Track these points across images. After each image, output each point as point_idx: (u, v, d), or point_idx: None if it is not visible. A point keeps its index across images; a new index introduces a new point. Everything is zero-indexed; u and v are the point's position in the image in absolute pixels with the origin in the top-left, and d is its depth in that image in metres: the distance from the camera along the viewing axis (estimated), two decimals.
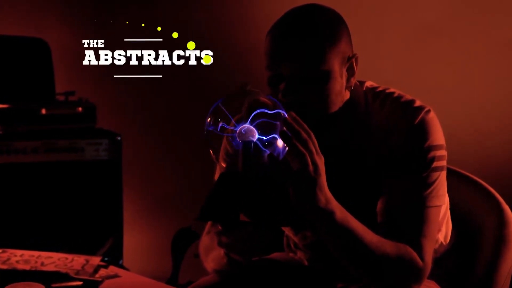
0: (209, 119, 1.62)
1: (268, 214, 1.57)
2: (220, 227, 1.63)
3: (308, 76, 1.69)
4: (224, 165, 1.63)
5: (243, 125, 1.59)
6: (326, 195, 1.58)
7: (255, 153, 1.58)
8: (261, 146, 1.59)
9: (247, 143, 1.58)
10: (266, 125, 1.60)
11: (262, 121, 1.60)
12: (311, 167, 1.55)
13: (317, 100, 1.70)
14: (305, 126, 1.57)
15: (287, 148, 1.56)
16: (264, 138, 1.60)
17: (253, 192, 1.58)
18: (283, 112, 1.60)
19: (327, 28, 1.70)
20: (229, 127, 1.60)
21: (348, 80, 1.76)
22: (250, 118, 1.60)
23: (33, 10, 3.84)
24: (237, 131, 1.59)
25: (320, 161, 1.56)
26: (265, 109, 1.60)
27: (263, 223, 1.60)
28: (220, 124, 1.61)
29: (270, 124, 1.60)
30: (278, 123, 1.59)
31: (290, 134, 1.55)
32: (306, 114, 1.66)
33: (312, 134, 1.57)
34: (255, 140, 1.59)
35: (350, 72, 1.76)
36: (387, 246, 1.64)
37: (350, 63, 1.75)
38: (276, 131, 1.59)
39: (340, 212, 1.59)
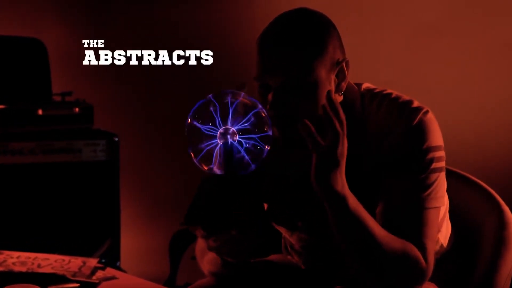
0: (189, 120, 1.62)
1: (239, 218, 1.58)
2: (203, 232, 1.63)
3: (294, 87, 1.69)
4: (206, 168, 1.63)
5: (223, 127, 1.59)
6: (343, 180, 1.60)
7: (236, 155, 1.58)
8: (239, 147, 1.58)
9: (228, 145, 1.58)
10: (247, 126, 1.60)
11: (244, 121, 1.60)
12: (340, 148, 1.58)
13: (305, 110, 1.70)
14: (340, 111, 1.61)
15: (268, 148, 1.58)
16: (244, 141, 1.59)
17: (234, 195, 1.58)
18: (262, 110, 1.60)
19: (313, 37, 1.70)
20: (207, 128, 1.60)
21: (338, 85, 1.75)
22: (230, 120, 1.59)
23: (30, 9, 3.84)
24: (218, 133, 1.59)
25: (346, 146, 1.60)
26: (245, 110, 1.60)
27: (237, 227, 1.60)
28: (200, 126, 1.60)
29: (251, 125, 1.60)
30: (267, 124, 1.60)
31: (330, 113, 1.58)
32: (290, 125, 1.67)
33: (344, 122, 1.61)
34: (236, 141, 1.58)
35: (341, 76, 1.75)
36: (394, 242, 1.64)
37: (340, 67, 1.74)
38: (258, 131, 1.59)
39: (353, 200, 1.61)
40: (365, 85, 1.85)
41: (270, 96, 1.70)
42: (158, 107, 3.94)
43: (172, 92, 3.91)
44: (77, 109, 3.38)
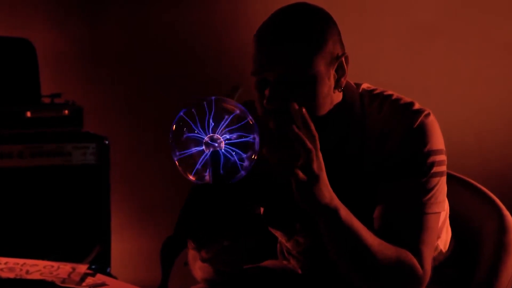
0: (174, 127, 1.60)
1: (230, 228, 1.57)
2: (194, 244, 1.63)
3: (293, 81, 1.68)
4: (193, 178, 1.61)
5: (210, 134, 1.58)
6: (329, 191, 1.59)
7: (223, 163, 1.57)
8: (227, 155, 1.57)
9: (215, 153, 1.56)
10: (234, 133, 1.59)
11: (232, 129, 1.59)
12: (315, 164, 1.56)
13: (303, 105, 1.69)
14: (311, 124, 1.58)
15: (255, 156, 1.57)
16: (231, 148, 1.58)
17: (223, 205, 1.57)
18: (250, 118, 1.59)
19: (313, 30, 1.70)
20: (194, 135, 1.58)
21: (338, 81, 1.75)
22: (216, 127, 1.58)
23: (18, 9, 3.83)
24: (204, 141, 1.58)
25: (321, 158, 1.58)
26: (232, 117, 1.59)
27: (229, 237, 1.59)
28: (186, 134, 1.59)
29: (238, 132, 1.59)
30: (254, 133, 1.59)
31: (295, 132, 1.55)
32: (288, 122, 1.66)
33: (316, 134, 1.59)
34: (223, 149, 1.57)
35: (340, 72, 1.75)
36: (388, 250, 1.64)
37: (339, 62, 1.74)
38: (246, 138, 1.58)
39: (343, 210, 1.61)
40: (365, 85, 1.84)
41: (267, 91, 1.69)
42: (150, 109, 3.93)
43: (164, 94, 3.91)
44: (66, 111, 3.37)
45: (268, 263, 2.02)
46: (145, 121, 3.94)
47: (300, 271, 1.93)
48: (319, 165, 1.57)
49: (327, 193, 1.58)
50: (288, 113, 1.67)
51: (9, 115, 3.27)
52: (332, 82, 1.73)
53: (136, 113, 3.94)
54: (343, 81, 1.76)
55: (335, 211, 1.59)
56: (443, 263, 1.91)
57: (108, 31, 3.86)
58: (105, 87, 3.88)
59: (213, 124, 1.58)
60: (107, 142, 3.34)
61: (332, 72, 1.73)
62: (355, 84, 1.84)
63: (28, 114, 3.30)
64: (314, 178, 1.57)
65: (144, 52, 3.84)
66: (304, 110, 1.58)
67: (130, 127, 3.95)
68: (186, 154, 1.59)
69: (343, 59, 1.74)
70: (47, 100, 3.47)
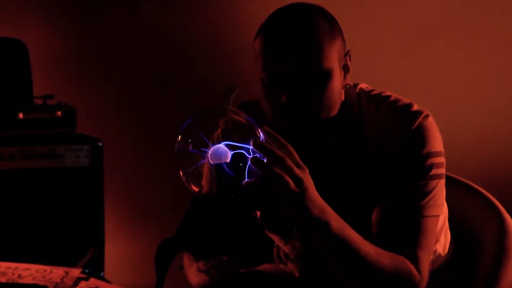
0: (180, 137, 1.60)
1: (234, 243, 1.57)
2: (192, 257, 1.63)
3: (309, 76, 1.68)
4: (196, 189, 1.61)
5: (215, 146, 1.57)
6: (318, 205, 1.58)
7: (229, 176, 1.56)
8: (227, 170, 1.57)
9: (219, 165, 1.56)
10: (240, 145, 1.58)
11: (235, 139, 1.58)
12: (292, 185, 1.54)
13: (319, 101, 1.69)
14: (280, 139, 1.56)
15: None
16: (239, 158, 1.58)
17: (224, 219, 1.56)
18: (257, 129, 1.58)
19: (324, 25, 1.71)
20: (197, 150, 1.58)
21: (344, 78, 1.76)
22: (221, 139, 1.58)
23: (10, 8, 3.83)
24: (209, 153, 1.57)
25: (303, 174, 1.55)
26: (237, 128, 1.58)
27: (227, 252, 1.59)
28: (190, 146, 1.59)
29: (243, 143, 1.58)
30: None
31: (261, 159, 1.53)
32: (304, 117, 1.66)
33: (289, 146, 1.56)
34: (228, 161, 1.56)
35: (345, 69, 1.76)
36: (383, 258, 1.64)
37: (345, 59, 1.76)
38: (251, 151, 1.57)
39: (336, 221, 1.59)
40: (362, 85, 1.85)
41: (280, 88, 1.68)
42: (145, 111, 3.93)
43: (159, 95, 3.90)
44: (59, 113, 3.36)
45: (264, 267, 2.02)
46: (139, 123, 3.93)
47: (297, 275, 1.93)
48: (299, 183, 1.54)
49: (315, 208, 1.57)
50: (304, 109, 1.67)
51: (1, 116, 3.26)
52: (342, 78, 1.74)
53: (131, 115, 3.94)
54: (348, 78, 1.77)
55: (324, 225, 1.58)
56: (443, 266, 1.91)
57: (101, 31, 3.86)
58: (99, 88, 3.87)
59: (218, 135, 1.58)
60: (100, 144, 3.34)
61: (341, 68, 1.74)
62: (352, 84, 1.84)
63: (20, 115, 3.30)
64: (296, 199, 1.55)
65: (138, 53, 3.84)
66: (267, 128, 1.56)
67: (124, 128, 3.94)
68: (191, 167, 1.59)
69: (348, 57, 1.76)
70: (39, 102, 3.47)
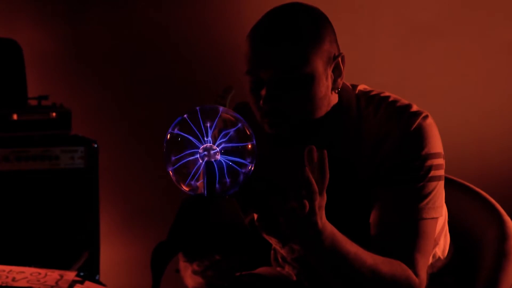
0: (168, 137, 1.60)
1: (226, 242, 1.57)
2: (185, 258, 1.62)
3: (290, 80, 1.68)
4: (187, 189, 1.61)
5: (205, 145, 1.57)
6: (322, 222, 1.57)
7: (218, 175, 1.55)
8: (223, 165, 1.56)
9: (210, 164, 1.55)
10: (230, 144, 1.57)
11: (227, 139, 1.58)
12: (318, 207, 1.52)
13: (300, 105, 1.69)
14: (326, 165, 1.53)
15: (252, 167, 1.56)
16: (229, 157, 1.57)
17: (216, 218, 1.56)
18: (247, 128, 1.57)
19: (309, 28, 1.70)
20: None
21: (334, 81, 1.75)
22: (211, 138, 1.57)
23: (4, 8, 3.82)
24: (199, 152, 1.57)
25: (322, 203, 1.53)
26: (228, 127, 1.58)
27: (220, 252, 1.59)
28: (180, 144, 1.58)
29: (233, 142, 1.57)
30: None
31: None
32: (284, 121, 1.66)
33: (327, 174, 1.53)
34: (218, 160, 1.56)
35: (337, 72, 1.75)
36: (381, 266, 1.63)
37: (336, 63, 1.74)
38: (241, 148, 1.57)
39: (329, 236, 1.57)
40: (361, 86, 1.85)
41: (263, 91, 1.69)
42: (140, 112, 3.92)
43: (154, 96, 3.90)
44: (54, 114, 3.36)
45: (261, 270, 2.02)
46: (135, 124, 3.93)
47: (295, 278, 1.93)
48: (313, 212, 1.52)
49: (311, 230, 1.55)
50: (285, 113, 1.67)
51: None
52: (329, 82, 1.73)
53: (126, 116, 3.94)
54: (340, 82, 1.76)
55: (318, 242, 1.56)
56: (442, 270, 1.91)
57: (96, 31, 3.85)
58: (94, 89, 3.87)
59: (209, 133, 1.57)
60: (95, 145, 3.33)
61: (329, 72, 1.73)
62: (351, 85, 1.84)
63: (15, 117, 3.29)
64: (311, 216, 1.53)
65: (133, 53, 3.84)
66: (325, 152, 1.52)
67: (119, 130, 3.94)
68: (180, 164, 1.58)
69: (340, 59, 1.74)
70: (34, 103, 3.46)
